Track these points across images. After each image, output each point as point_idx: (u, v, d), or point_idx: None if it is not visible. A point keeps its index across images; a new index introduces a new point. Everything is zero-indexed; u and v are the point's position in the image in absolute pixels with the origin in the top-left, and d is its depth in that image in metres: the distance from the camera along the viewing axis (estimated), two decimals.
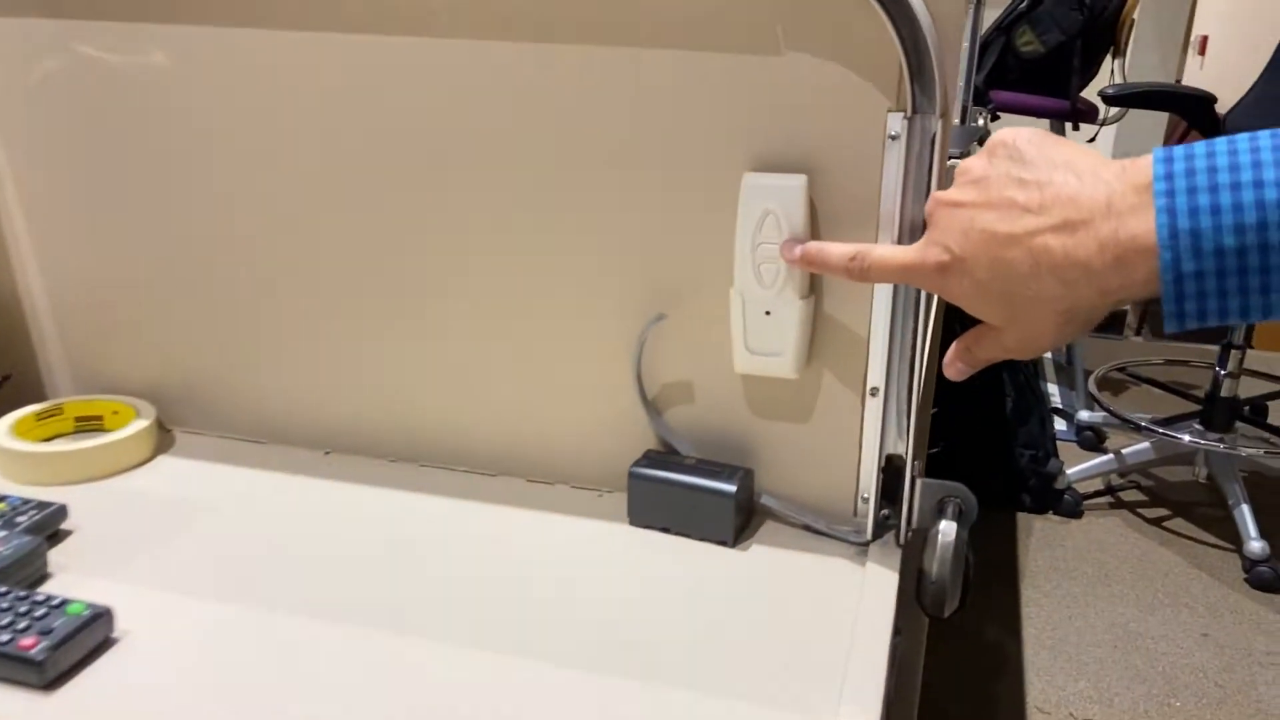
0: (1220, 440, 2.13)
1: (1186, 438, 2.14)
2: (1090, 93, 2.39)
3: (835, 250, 0.58)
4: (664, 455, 0.70)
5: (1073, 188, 0.46)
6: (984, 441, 2.16)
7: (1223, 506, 2.14)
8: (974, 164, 0.50)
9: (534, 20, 0.65)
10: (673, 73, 0.63)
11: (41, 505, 0.65)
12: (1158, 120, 3.65)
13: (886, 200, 0.61)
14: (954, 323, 1.36)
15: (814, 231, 0.64)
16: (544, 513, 0.71)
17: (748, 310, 0.65)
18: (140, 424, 0.75)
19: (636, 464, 0.69)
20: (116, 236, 0.77)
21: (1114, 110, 2.30)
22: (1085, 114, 2.48)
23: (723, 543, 0.67)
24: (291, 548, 0.66)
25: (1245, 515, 1.98)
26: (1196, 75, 4.01)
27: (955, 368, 0.55)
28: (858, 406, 0.67)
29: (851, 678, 0.54)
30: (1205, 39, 4.02)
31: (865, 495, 0.68)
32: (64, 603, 0.55)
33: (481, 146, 0.68)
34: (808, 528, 0.69)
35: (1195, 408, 2.22)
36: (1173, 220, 0.42)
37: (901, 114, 0.60)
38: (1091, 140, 2.83)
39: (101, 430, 0.78)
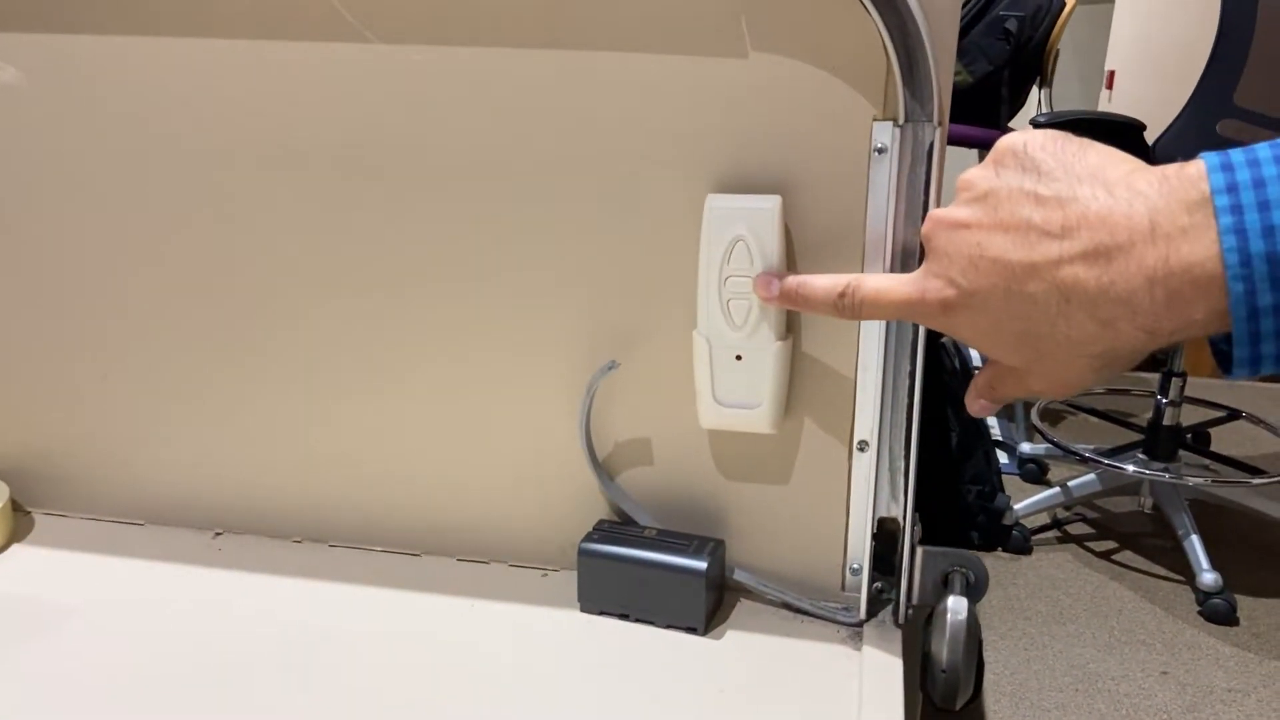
0: (1165, 470, 2.10)
1: (1131, 468, 2.11)
2: (1020, 121, 2.37)
3: (820, 284, 0.49)
4: (620, 526, 0.60)
5: (1103, 204, 0.38)
6: (931, 478, 2.09)
7: (1171, 537, 2.10)
8: (978, 176, 0.42)
9: (456, 19, 0.55)
10: (622, 78, 0.54)
11: None
12: None
13: (874, 223, 0.53)
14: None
15: (790, 261, 0.55)
16: (478, 599, 0.60)
17: (715, 355, 0.56)
18: None
19: (587, 538, 0.58)
20: None
21: None
22: None
23: (692, 629, 0.57)
24: (170, 657, 0.54)
25: (1196, 546, 1.94)
26: (1105, 108, 4.11)
27: (978, 404, 0.46)
28: (844, 464, 0.57)
29: None
30: (1112, 73, 4.12)
31: (855, 566, 0.58)
32: None
33: (395, 163, 0.58)
34: (790, 606, 0.59)
35: (1138, 437, 2.19)
36: (1244, 243, 0.34)
37: (890, 122, 0.51)
38: None
39: None
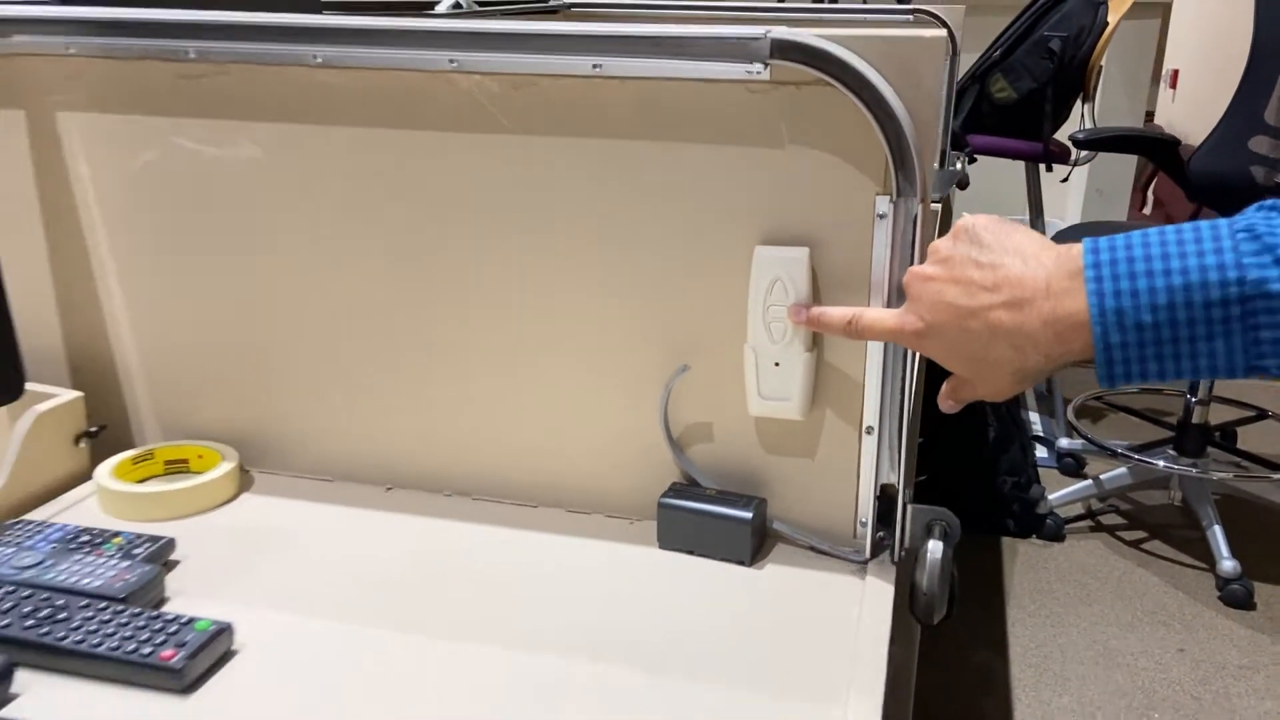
0: (1193, 465, 2.24)
1: (1161, 463, 2.26)
2: (1063, 134, 2.52)
3: (834, 313, 0.69)
4: (687, 487, 0.81)
5: (1018, 270, 0.57)
6: (969, 470, 2.27)
7: (1196, 528, 2.25)
8: (942, 244, 0.62)
9: (582, 119, 0.76)
10: (695, 160, 0.75)
11: (153, 539, 0.75)
12: (1127, 160, 3.81)
13: (876, 269, 0.73)
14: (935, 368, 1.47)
15: (815, 295, 0.75)
16: (583, 539, 0.81)
17: (760, 362, 0.76)
18: (227, 466, 0.86)
19: (664, 495, 0.80)
20: (199, 303, 0.88)
21: (1084, 152, 2.44)
22: (1057, 155, 2.61)
23: (740, 563, 0.78)
24: (365, 573, 0.76)
25: (1218, 536, 2.09)
26: (1169, 108, 4.17)
27: (947, 403, 0.66)
28: (855, 443, 0.78)
29: (856, 677, 0.65)
30: (1176, 73, 4.18)
31: (863, 520, 0.79)
32: (191, 620, 0.65)
33: (528, 223, 0.80)
34: (814, 549, 0.80)
35: (1169, 434, 2.33)
36: (1101, 301, 0.53)
37: (888, 197, 0.71)
38: (1065, 180, 2.96)
39: (189, 472, 0.88)
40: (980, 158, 2.65)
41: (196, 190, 0.85)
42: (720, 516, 0.78)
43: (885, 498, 0.78)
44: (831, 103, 0.71)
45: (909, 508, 0.77)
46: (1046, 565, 2.15)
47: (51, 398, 0.86)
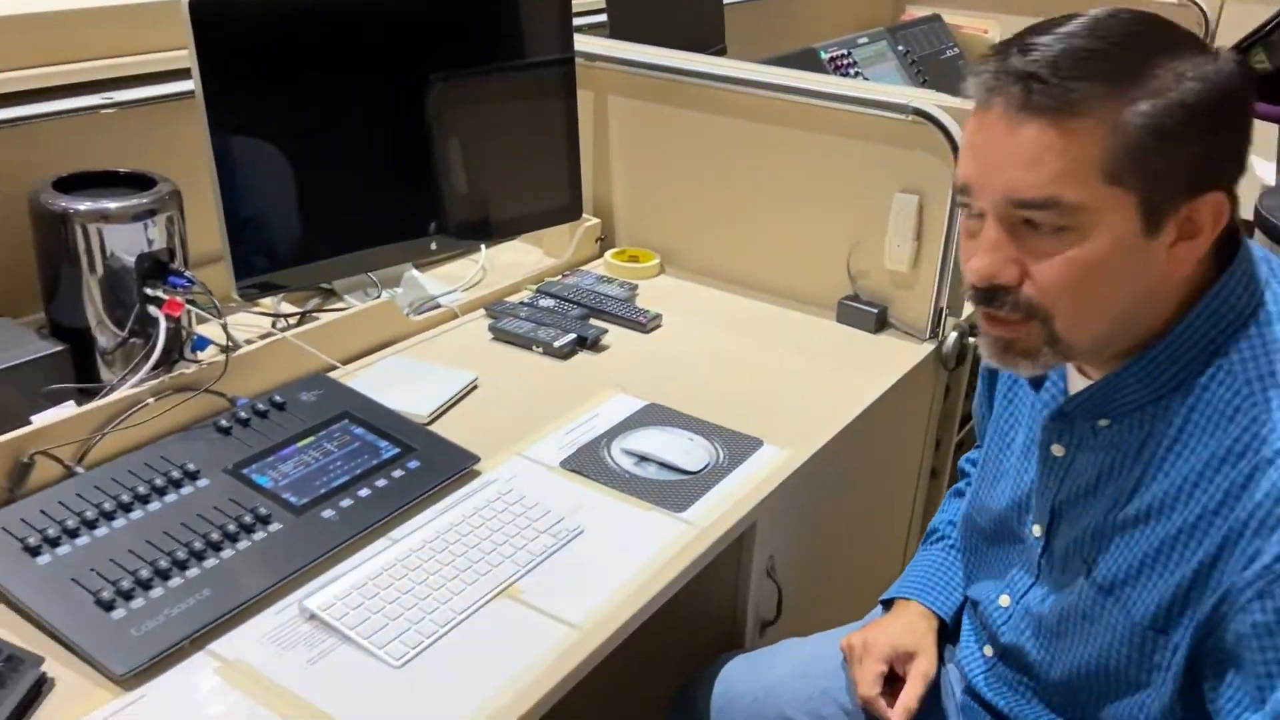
0: None
1: None
2: None
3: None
4: (853, 298, 1.79)
5: None
6: None
7: None
8: None
9: (772, 119, 1.74)
10: (861, 149, 1.70)
11: (631, 288, 1.86)
12: None
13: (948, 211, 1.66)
14: None
15: (920, 219, 1.69)
16: (800, 313, 1.83)
17: (891, 243, 1.72)
18: (656, 262, 1.95)
19: (841, 299, 1.78)
20: (655, 184, 1.96)
21: None
22: None
23: (869, 331, 1.75)
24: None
25: None
26: None
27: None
28: (932, 283, 1.72)
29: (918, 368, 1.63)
30: None
31: (927, 321, 1.73)
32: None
33: (764, 149, 1.79)
34: (906, 332, 1.76)
35: None
36: None
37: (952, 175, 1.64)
38: None
39: (638, 261, 1.99)
40: None
41: (667, 135, 1.92)
42: (867, 304, 1.76)
43: (937, 310, 1.72)
44: (930, 132, 1.63)
45: (947, 319, 1.71)
46: None
47: (588, 221, 1.99)
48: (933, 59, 2.90)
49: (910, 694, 1.14)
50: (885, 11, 3.33)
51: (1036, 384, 1.06)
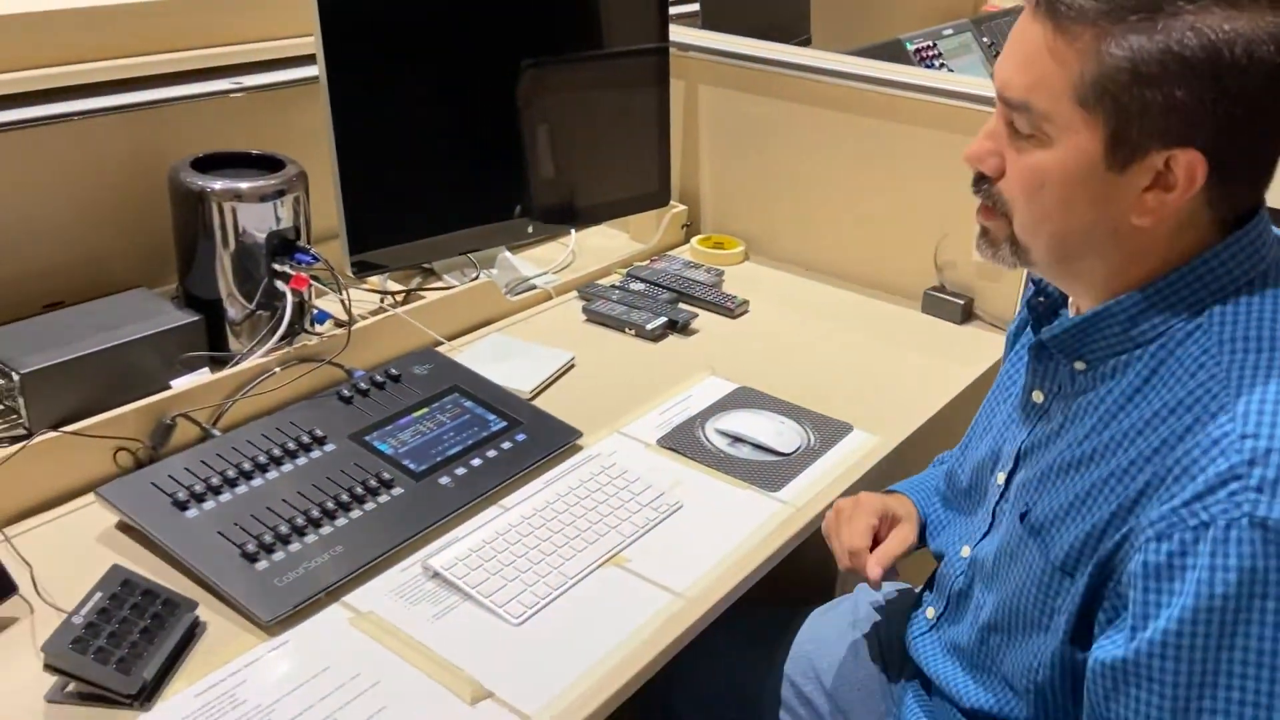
0: None
1: None
2: None
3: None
4: (939, 288, 1.82)
5: None
6: None
7: None
8: None
9: (857, 111, 1.77)
10: (945, 140, 1.72)
11: (719, 272, 1.91)
12: None
13: None
14: None
15: None
16: (885, 304, 1.86)
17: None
18: (741, 249, 2.00)
19: (927, 289, 1.82)
20: (741, 173, 2.01)
21: None
22: None
23: (955, 322, 1.79)
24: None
25: None
26: None
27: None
28: (1023, 275, 1.74)
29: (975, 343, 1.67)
30: None
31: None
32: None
33: (856, 132, 1.82)
34: (989, 321, 1.78)
35: None
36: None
37: None
38: None
39: (723, 248, 2.03)
40: None
41: (754, 124, 1.97)
42: (953, 295, 1.79)
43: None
44: None
45: None
46: None
47: (675, 207, 2.04)
48: None
49: (888, 548, 1.16)
50: (968, 3, 3.33)
51: (1037, 329, 1.05)
